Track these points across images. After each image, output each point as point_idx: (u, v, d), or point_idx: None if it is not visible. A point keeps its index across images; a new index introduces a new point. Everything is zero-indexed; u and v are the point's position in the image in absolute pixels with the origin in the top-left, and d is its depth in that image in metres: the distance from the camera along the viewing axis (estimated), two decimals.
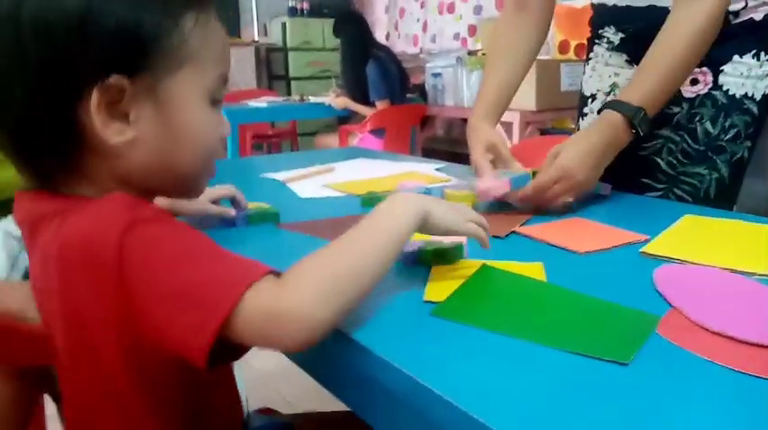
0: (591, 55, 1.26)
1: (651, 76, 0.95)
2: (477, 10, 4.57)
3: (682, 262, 0.70)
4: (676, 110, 1.07)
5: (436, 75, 3.85)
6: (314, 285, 0.49)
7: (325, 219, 0.90)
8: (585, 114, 1.27)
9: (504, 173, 0.98)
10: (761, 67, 1.04)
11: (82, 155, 0.52)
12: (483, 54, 3.61)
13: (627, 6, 1.12)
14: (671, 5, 0.97)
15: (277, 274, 0.50)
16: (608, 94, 1.21)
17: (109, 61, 0.50)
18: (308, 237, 0.82)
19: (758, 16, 1.03)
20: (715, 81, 1.05)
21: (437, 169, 1.32)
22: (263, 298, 0.47)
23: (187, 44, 0.53)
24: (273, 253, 0.77)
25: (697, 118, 1.06)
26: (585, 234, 0.81)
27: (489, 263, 0.68)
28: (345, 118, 4.10)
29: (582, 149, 0.92)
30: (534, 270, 0.67)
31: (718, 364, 0.47)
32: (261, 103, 3.85)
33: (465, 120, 4.20)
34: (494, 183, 0.92)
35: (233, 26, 5.45)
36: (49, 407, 0.79)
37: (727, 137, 1.06)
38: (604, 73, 1.21)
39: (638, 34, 1.11)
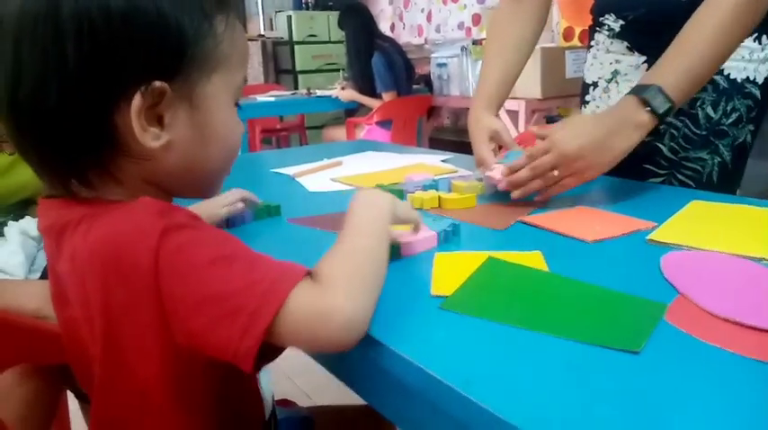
0: (592, 43, 1.26)
1: (676, 59, 0.89)
2: None
3: (689, 248, 0.71)
4: None
5: (441, 65, 3.84)
6: (347, 284, 0.50)
7: (329, 215, 0.91)
8: (588, 102, 1.27)
9: (507, 157, 0.97)
10: (762, 50, 1.04)
11: (113, 158, 0.52)
12: None
13: None
14: None
15: (311, 274, 0.51)
16: (609, 81, 1.21)
17: (152, 65, 0.49)
18: (313, 230, 0.84)
19: None
20: None
21: (443, 160, 1.32)
22: (306, 298, 0.48)
23: (220, 47, 0.54)
24: (281, 247, 0.79)
25: (698, 103, 1.06)
26: (592, 222, 0.82)
27: (491, 253, 0.69)
28: (353, 110, 4.10)
29: (580, 127, 0.88)
30: (534, 259, 0.68)
31: (727, 351, 0.48)
32: (269, 97, 3.86)
33: None
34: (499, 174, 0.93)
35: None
36: (72, 403, 0.81)
37: (729, 121, 1.06)
38: (606, 60, 1.21)
39: (638, 21, 1.11)
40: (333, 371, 0.62)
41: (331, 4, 5.30)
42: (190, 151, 0.55)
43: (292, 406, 0.89)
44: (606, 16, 1.18)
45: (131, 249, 0.48)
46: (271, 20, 5.60)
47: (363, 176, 1.17)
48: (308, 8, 5.36)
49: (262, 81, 5.19)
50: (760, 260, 0.66)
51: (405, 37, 5.18)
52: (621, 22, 1.15)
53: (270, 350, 0.49)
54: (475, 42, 3.68)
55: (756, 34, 1.03)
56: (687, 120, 1.07)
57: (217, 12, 0.53)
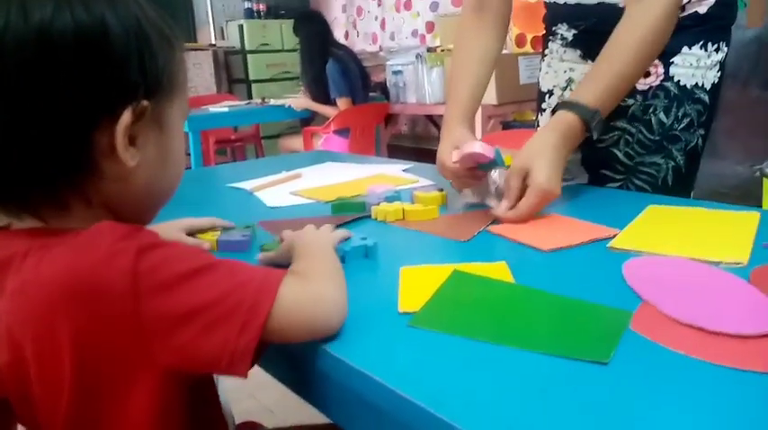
0: (546, 51, 1.28)
1: (606, 75, 0.95)
2: (434, 6, 4.60)
3: (649, 254, 0.72)
4: (630, 102, 1.10)
5: (397, 72, 3.86)
6: (323, 276, 0.59)
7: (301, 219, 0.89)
8: (544, 110, 1.29)
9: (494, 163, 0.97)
10: (709, 57, 1.08)
11: (86, 179, 0.51)
12: (442, 50, 3.63)
13: (577, 3, 1.14)
14: (623, 2, 0.99)
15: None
16: (564, 89, 1.23)
17: (139, 84, 0.51)
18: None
19: (702, 9, 1.06)
20: (666, 72, 1.08)
21: (404, 170, 1.32)
22: (295, 287, 0.53)
23: (180, 72, 0.57)
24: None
25: (651, 109, 1.09)
26: (554, 231, 0.83)
27: (456, 265, 0.69)
28: (308, 119, 4.08)
29: (551, 162, 0.89)
30: (499, 270, 0.68)
31: (692, 357, 0.49)
32: (222, 107, 3.80)
33: (428, 117, 4.23)
34: (480, 148, 0.91)
35: (189, 30, 5.37)
36: None
37: (681, 126, 1.09)
38: (560, 69, 1.24)
39: (590, 30, 1.14)
40: (299, 392, 0.60)
41: (283, 12, 5.27)
42: (153, 173, 0.55)
43: (257, 427, 0.87)
44: (559, 26, 1.21)
45: (103, 274, 0.46)
46: (222, 29, 5.53)
47: (324, 189, 1.16)
48: (259, 17, 5.32)
49: (214, 91, 5.11)
50: (717, 264, 0.68)
51: (359, 44, 5.19)
52: (574, 31, 1.18)
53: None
54: (429, 50, 3.71)
55: (702, 41, 1.06)
56: (641, 126, 1.10)
57: (176, 38, 0.56)
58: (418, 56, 3.65)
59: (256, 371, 0.57)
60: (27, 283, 0.48)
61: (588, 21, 1.13)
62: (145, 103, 0.51)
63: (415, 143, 4.93)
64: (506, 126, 3.46)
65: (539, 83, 1.31)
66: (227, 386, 0.69)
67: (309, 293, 0.54)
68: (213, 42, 5.45)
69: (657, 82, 1.08)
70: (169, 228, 0.80)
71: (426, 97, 3.63)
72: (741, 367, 0.47)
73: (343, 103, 3.58)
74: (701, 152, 1.12)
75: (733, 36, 1.12)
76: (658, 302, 0.58)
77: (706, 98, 1.09)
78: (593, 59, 1.15)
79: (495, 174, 0.94)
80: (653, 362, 0.49)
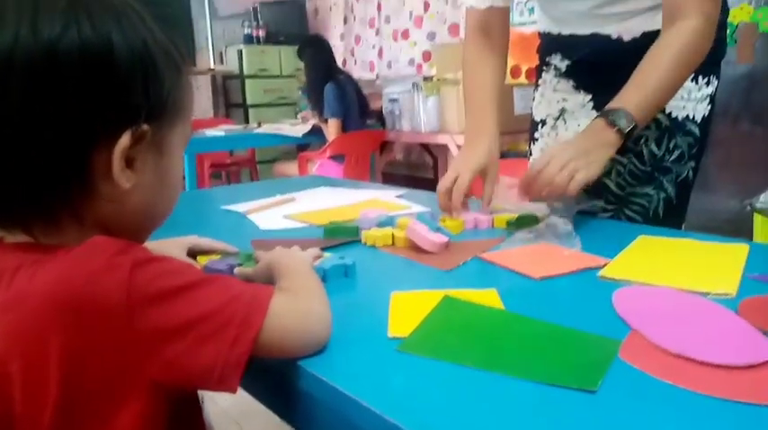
0: (539, 81, 1.30)
1: (638, 87, 0.97)
2: (431, 36, 4.66)
3: (639, 284, 0.72)
4: None
5: (393, 100, 3.89)
6: (309, 292, 0.60)
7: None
8: (536, 139, 1.31)
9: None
10: (699, 90, 1.10)
11: (81, 198, 0.51)
12: (438, 79, 3.67)
13: (571, 35, 1.17)
14: (618, 34, 1.01)
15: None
16: (557, 118, 1.25)
17: (142, 107, 0.51)
18: None
19: None
20: None
21: (398, 196, 1.33)
22: (285, 303, 0.54)
23: (186, 97, 0.57)
24: None
25: (642, 140, 1.10)
26: (545, 259, 0.83)
27: (446, 291, 0.69)
28: (305, 145, 4.10)
29: (558, 146, 0.97)
30: (489, 297, 0.68)
31: (680, 387, 0.49)
32: (218, 131, 3.82)
33: (423, 145, 4.24)
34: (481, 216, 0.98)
35: (189, 54, 5.42)
36: None
37: (672, 158, 1.10)
38: (553, 98, 1.25)
39: (582, 61, 1.16)
40: (286, 418, 0.59)
41: (282, 39, 5.33)
42: (149, 195, 0.56)
43: None
44: (552, 56, 1.23)
45: (99, 288, 0.46)
46: (221, 54, 5.58)
47: (317, 213, 1.16)
48: (258, 42, 5.37)
49: (211, 115, 5.14)
50: (706, 295, 0.68)
51: (357, 72, 5.24)
52: (567, 62, 1.20)
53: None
54: (426, 78, 3.75)
55: (693, 75, 1.08)
56: (632, 157, 1.11)
57: (184, 63, 0.57)
58: (414, 84, 3.69)
59: (241, 400, 0.56)
60: (19, 297, 0.47)
61: (581, 51, 1.15)
62: (145, 127, 0.51)
63: (410, 171, 4.96)
64: (501, 156, 3.47)
65: (532, 112, 1.33)
66: (212, 414, 0.68)
67: (299, 308, 0.56)
68: (212, 67, 5.50)
69: None
70: (171, 245, 0.81)
71: (422, 125, 3.66)
72: (728, 397, 0.47)
73: (333, 123, 3.60)
74: (693, 184, 1.14)
75: (724, 72, 1.14)
76: (647, 332, 0.58)
77: (697, 131, 1.10)
78: (586, 90, 1.17)
79: (554, 219, 0.95)
80: (641, 391, 0.48)
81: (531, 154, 1.33)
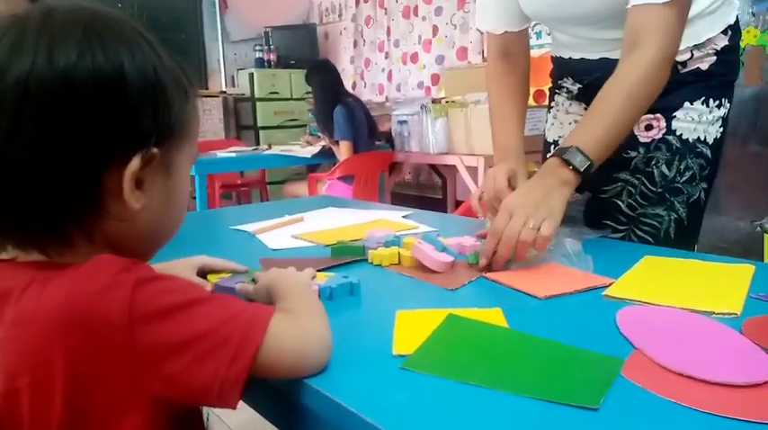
0: (552, 104, 1.32)
1: (592, 124, 0.97)
2: (440, 60, 4.71)
3: (643, 303, 0.72)
4: (633, 154, 1.12)
5: (402, 122, 3.92)
6: (310, 314, 0.60)
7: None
8: None
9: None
10: (710, 112, 1.10)
11: (92, 218, 0.52)
12: (446, 102, 3.69)
13: (581, 59, 1.19)
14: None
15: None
16: None
17: (151, 131, 0.53)
18: None
19: (704, 66, 1.09)
20: (668, 126, 1.10)
21: (404, 216, 1.34)
22: (285, 323, 0.55)
23: (192, 119, 0.59)
24: None
25: (653, 161, 1.11)
26: (551, 278, 0.83)
27: (451, 310, 0.69)
28: (314, 166, 4.13)
29: (519, 189, 0.97)
30: (494, 316, 0.69)
31: (682, 405, 0.49)
32: (229, 152, 3.86)
33: (431, 166, 4.24)
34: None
35: (200, 77, 5.50)
36: None
37: (683, 179, 1.10)
38: (565, 120, 1.28)
39: (593, 84, 1.17)
40: None
41: (293, 62, 5.40)
42: (158, 214, 0.57)
43: None
44: (564, 79, 1.25)
45: (101, 305, 0.47)
46: (233, 77, 5.66)
47: (325, 233, 1.17)
48: (269, 66, 5.44)
49: (222, 137, 5.19)
50: (709, 314, 0.68)
51: (366, 95, 5.30)
52: (579, 85, 1.22)
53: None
54: (434, 101, 3.78)
55: (704, 97, 1.09)
56: (643, 178, 1.12)
57: (192, 87, 0.58)
58: (423, 106, 3.71)
59: (248, 418, 0.56)
60: (27, 314, 0.48)
61: (592, 76, 1.17)
62: (154, 150, 0.53)
63: (419, 191, 4.97)
64: None
65: (545, 134, 1.35)
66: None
67: (299, 329, 0.56)
68: (224, 89, 5.57)
69: (660, 135, 1.10)
70: (180, 265, 0.81)
71: (430, 147, 3.68)
72: (731, 416, 0.47)
73: (344, 146, 3.63)
74: (704, 206, 1.13)
75: None
76: (650, 350, 0.58)
77: (708, 152, 1.11)
78: None
79: (563, 239, 0.95)
80: (643, 409, 0.49)
81: None
